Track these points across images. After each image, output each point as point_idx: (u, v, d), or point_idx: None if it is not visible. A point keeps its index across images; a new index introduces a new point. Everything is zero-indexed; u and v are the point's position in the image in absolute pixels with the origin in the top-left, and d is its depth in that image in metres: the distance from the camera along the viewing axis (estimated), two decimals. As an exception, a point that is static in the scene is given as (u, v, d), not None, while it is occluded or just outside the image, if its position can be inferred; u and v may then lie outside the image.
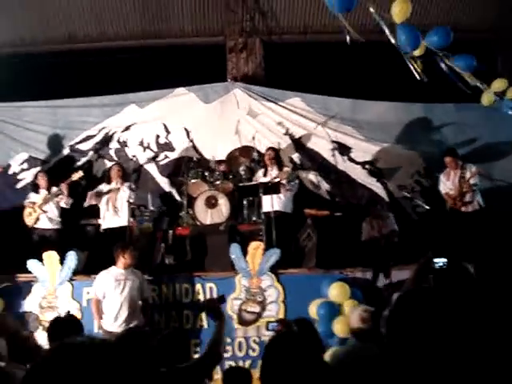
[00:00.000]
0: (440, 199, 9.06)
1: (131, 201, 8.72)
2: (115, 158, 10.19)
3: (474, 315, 1.77)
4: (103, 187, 9.01)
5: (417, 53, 6.83)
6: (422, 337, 1.60)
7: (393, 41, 6.52)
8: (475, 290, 2.38)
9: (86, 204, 9.02)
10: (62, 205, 8.99)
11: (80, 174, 8.93)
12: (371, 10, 6.44)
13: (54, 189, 8.93)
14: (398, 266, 7.75)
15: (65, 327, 4.24)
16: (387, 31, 6.48)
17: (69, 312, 5.57)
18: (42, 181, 9.10)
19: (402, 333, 1.64)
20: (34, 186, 9.26)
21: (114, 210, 8.78)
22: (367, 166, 9.75)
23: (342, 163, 9.87)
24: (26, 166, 10.24)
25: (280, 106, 10.18)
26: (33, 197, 9.04)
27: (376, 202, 9.35)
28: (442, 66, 7.03)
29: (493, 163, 9.37)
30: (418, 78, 6.56)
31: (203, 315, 7.80)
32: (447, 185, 8.80)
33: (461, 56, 7.13)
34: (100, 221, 8.91)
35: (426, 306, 1.65)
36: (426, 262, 2.83)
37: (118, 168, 9.13)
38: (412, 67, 6.69)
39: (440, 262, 2.78)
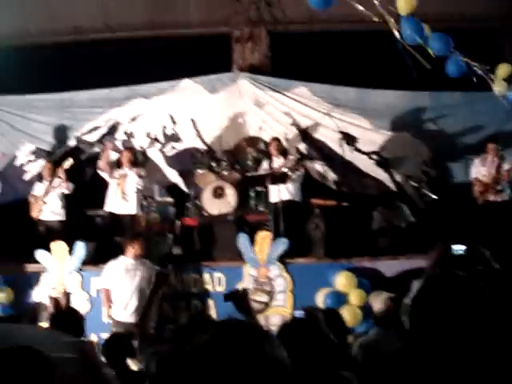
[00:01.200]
0: (448, 189, 9.07)
1: (139, 187, 8.74)
2: (122, 149, 10.18)
3: (499, 302, 1.77)
4: (114, 172, 9.01)
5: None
6: (448, 325, 1.59)
7: (397, 35, 6.49)
8: (496, 276, 2.36)
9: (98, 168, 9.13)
10: (64, 191, 8.97)
11: (70, 161, 8.93)
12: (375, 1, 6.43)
13: (57, 180, 8.93)
14: (408, 255, 7.78)
15: (66, 321, 4.27)
16: (391, 24, 6.46)
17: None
18: (46, 172, 9.12)
19: (426, 321, 1.63)
20: (40, 178, 9.29)
21: (123, 196, 8.77)
22: (374, 156, 9.72)
23: (348, 153, 9.84)
24: (32, 157, 10.24)
25: (286, 96, 10.14)
26: (37, 188, 9.06)
27: (392, 192, 9.37)
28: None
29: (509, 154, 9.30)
30: (427, 67, 6.53)
31: (212, 305, 7.86)
32: (481, 170, 8.73)
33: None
34: (106, 204, 8.90)
35: (451, 292, 1.63)
36: (445, 248, 2.81)
37: (128, 153, 9.15)
38: (418, 57, 6.66)
39: (459, 249, 2.75)
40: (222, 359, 1.17)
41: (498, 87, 7.98)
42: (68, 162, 8.91)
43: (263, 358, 1.18)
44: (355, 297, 7.56)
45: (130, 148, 9.56)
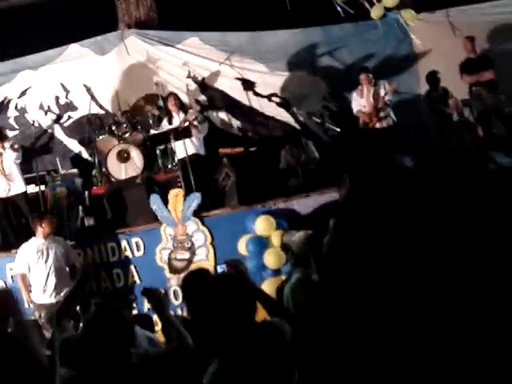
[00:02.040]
0: (350, 120, 9.21)
1: (18, 162, 8.19)
2: (16, 127, 9.74)
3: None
4: None
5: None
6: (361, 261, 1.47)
7: None
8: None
9: None
10: None
11: None
12: None
13: None
14: (320, 191, 7.89)
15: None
16: None
17: None
18: None
19: (341, 258, 1.53)
20: None
21: (5, 177, 8.06)
22: (274, 98, 9.74)
23: (248, 99, 9.82)
24: None
25: (178, 48, 9.93)
26: None
27: (296, 130, 9.45)
28: None
29: (394, 77, 9.53)
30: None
31: (134, 271, 7.76)
32: (361, 102, 8.95)
33: None
34: None
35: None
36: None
37: None
38: None
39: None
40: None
41: (375, 12, 8.16)
42: None
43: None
44: (276, 239, 7.62)
45: None
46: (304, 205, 8.05)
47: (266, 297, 3.43)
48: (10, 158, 8.11)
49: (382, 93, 8.79)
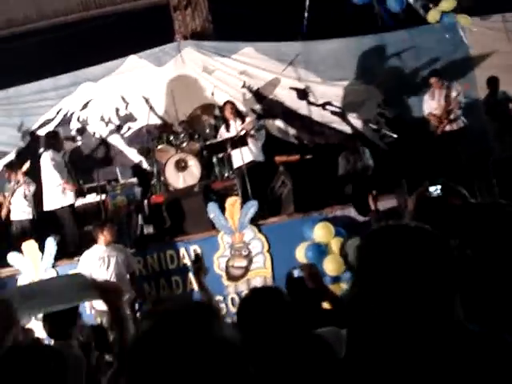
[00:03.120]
0: (407, 127, 9.12)
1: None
2: (78, 138, 10.04)
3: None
4: None
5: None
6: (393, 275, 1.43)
7: None
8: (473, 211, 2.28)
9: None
10: (26, 192, 8.82)
11: (27, 165, 8.68)
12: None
13: (18, 182, 8.77)
14: (377, 197, 7.82)
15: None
16: None
17: None
18: (8, 174, 8.98)
19: (371, 269, 1.47)
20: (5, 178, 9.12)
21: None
22: (328, 107, 9.74)
23: (302, 108, 9.85)
24: (-11, 159, 10.05)
25: (233, 59, 10.05)
26: (6, 189, 8.90)
27: (353, 137, 9.41)
28: None
29: (452, 82, 9.38)
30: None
31: (192, 278, 7.84)
32: (432, 104, 8.81)
33: None
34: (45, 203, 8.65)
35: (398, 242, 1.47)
36: (424, 191, 2.75)
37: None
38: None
39: (435, 189, 2.71)
40: (167, 344, 1.14)
41: (432, 16, 8.04)
42: (25, 166, 8.71)
43: (211, 339, 1.15)
44: (336, 246, 7.57)
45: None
46: (361, 211, 7.98)
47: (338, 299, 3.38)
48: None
49: (454, 94, 8.65)
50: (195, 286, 7.80)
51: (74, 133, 10.02)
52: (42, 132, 10.04)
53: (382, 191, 7.81)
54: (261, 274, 7.84)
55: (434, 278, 1.36)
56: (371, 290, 1.39)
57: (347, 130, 9.89)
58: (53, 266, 7.96)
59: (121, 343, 2.40)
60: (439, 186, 2.71)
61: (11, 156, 10.02)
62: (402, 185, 7.20)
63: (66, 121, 10.15)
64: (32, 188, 8.83)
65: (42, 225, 8.83)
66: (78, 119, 10.14)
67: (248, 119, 8.99)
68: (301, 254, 7.57)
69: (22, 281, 7.90)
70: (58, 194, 8.40)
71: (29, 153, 9.72)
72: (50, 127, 10.04)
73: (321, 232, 7.60)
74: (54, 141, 8.71)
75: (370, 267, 1.43)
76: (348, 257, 7.14)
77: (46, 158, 8.45)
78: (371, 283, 1.40)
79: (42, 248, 7.97)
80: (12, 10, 10.59)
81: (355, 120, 9.89)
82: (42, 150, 9.10)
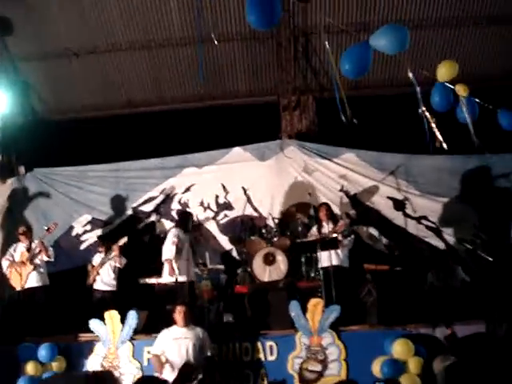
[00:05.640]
0: (504, 251, 8.83)
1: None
2: (177, 219, 10.38)
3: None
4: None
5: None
6: None
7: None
8: None
9: None
10: (117, 265, 9.20)
11: (125, 239, 9.13)
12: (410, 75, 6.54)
13: (111, 254, 9.16)
14: (465, 321, 7.52)
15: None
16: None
17: None
18: (101, 246, 9.46)
19: None
20: (97, 248, 9.55)
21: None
22: (423, 221, 9.65)
23: (397, 218, 9.81)
24: (88, 227, 10.55)
25: (335, 162, 10.23)
26: (95, 259, 9.31)
27: (445, 254, 9.23)
28: None
29: None
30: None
31: (264, 374, 7.73)
32: None
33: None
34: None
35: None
36: None
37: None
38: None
39: None
40: None
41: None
42: (123, 240, 9.13)
43: None
44: (414, 365, 7.31)
45: None
46: (446, 333, 7.69)
47: None
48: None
49: None
50: (265, 383, 7.69)
51: (173, 213, 10.39)
52: (144, 208, 10.51)
53: (472, 315, 7.51)
54: (334, 381, 7.61)
55: None
56: None
57: (440, 245, 9.70)
58: (130, 339, 8.08)
59: None
60: None
61: (110, 227, 10.49)
62: (496, 314, 6.92)
63: (168, 201, 10.58)
64: (123, 262, 9.20)
65: (127, 296, 9.09)
66: (180, 201, 10.55)
67: (341, 223, 9.04)
68: (377, 367, 7.33)
69: (98, 348, 8.08)
70: (165, 270, 8.67)
71: (129, 226, 10.17)
72: (152, 204, 10.50)
73: (400, 348, 7.36)
74: (184, 221, 9.14)
75: None
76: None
77: (170, 234, 8.82)
78: None
79: (123, 319, 8.14)
80: (133, 93, 11.33)
81: (449, 237, 9.71)
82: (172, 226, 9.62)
